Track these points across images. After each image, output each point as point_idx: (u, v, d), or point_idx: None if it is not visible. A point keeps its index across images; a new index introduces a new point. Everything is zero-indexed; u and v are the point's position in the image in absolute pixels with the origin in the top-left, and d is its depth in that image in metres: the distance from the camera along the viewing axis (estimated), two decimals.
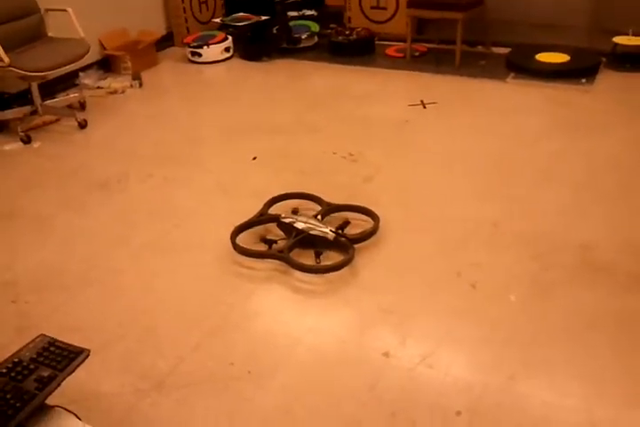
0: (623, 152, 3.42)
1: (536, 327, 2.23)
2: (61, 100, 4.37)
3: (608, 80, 4.40)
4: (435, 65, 4.78)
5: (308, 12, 5.74)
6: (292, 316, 2.37)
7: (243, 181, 3.34)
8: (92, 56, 4.47)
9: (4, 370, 1.47)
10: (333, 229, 2.67)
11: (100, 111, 4.33)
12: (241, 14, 5.37)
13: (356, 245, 2.65)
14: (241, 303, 2.42)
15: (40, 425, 1.41)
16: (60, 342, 1.57)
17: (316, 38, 5.33)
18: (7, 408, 1.37)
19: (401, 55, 4.93)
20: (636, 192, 3.04)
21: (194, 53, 5.11)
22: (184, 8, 5.42)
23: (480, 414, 1.90)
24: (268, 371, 2.10)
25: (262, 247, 2.71)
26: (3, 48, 3.62)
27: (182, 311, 2.40)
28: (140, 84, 4.67)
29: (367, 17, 5.36)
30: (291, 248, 2.65)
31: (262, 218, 2.87)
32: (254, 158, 3.56)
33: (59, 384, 1.46)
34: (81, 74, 4.71)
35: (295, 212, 2.89)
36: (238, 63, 5.15)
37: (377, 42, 5.22)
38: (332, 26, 5.48)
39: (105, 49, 4.90)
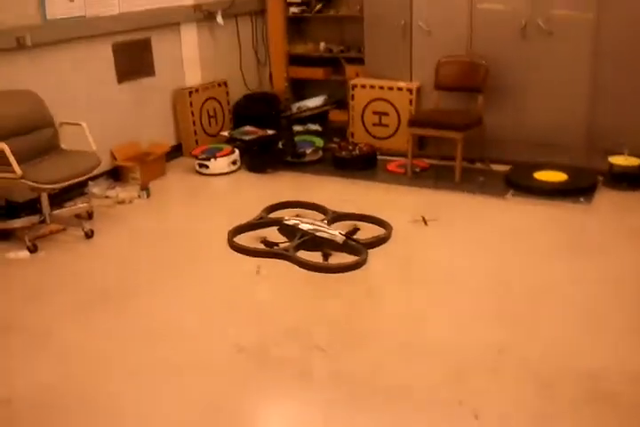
0: (627, 275, 3.45)
1: None
2: (70, 209, 4.43)
3: (606, 199, 4.48)
4: (435, 181, 4.90)
5: (313, 127, 5.96)
6: None
7: (246, 294, 3.34)
8: (103, 166, 4.55)
9: None
10: (342, 233, 2.59)
11: (107, 221, 4.38)
12: (248, 128, 5.57)
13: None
14: None
15: None
16: None
17: (320, 153, 5.50)
18: None
19: (402, 171, 5.07)
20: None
21: (201, 165, 5.25)
22: (194, 121, 5.65)
23: None
24: None
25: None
26: (16, 160, 3.68)
27: None
28: (148, 195, 4.77)
29: (369, 133, 5.56)
30: (296, 249, 2.53)
31: (262, 221, 2.73)
32: (258, 272, 3.57)
33: None
34: (90, 183, 4.79)
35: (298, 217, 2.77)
36: (244, 175, 5.28)
37: (379, 156, 5.38)
38: (335, 139, 5.68)
39: (115, 159, 5.04)
